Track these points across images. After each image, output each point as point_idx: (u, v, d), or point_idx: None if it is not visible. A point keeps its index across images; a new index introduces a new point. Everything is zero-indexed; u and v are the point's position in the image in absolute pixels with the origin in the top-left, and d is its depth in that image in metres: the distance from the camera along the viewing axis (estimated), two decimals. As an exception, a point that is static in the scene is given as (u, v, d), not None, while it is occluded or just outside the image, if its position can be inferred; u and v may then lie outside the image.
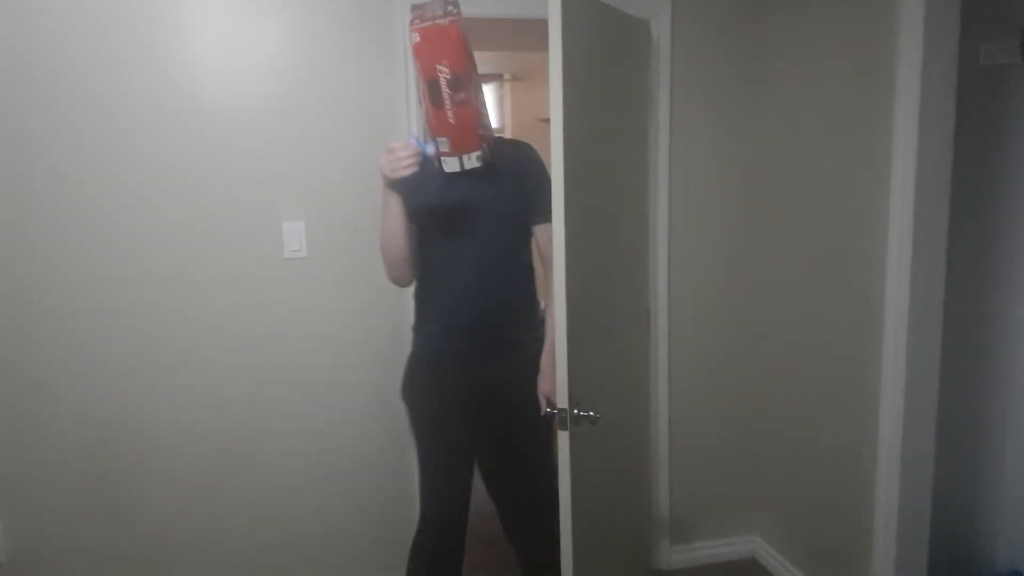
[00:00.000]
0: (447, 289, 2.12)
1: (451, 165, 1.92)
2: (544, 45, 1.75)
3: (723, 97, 2.78)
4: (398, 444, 2.55)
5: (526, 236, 2.17)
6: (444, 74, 1.80)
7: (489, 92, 5.68)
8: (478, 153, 1.90)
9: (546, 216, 2.06)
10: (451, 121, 1.85)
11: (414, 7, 1.87)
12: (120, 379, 2.41)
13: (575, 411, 1.82)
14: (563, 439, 1.83)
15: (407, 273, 2.16)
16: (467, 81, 1.84)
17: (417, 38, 1.79)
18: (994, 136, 2.40)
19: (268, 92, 2.41)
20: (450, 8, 1.81)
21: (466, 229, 2.08)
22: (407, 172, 1.89)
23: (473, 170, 1.92)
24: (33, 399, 2.36)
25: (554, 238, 1.81)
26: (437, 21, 1.79)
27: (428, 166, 1.94)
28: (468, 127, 1.87)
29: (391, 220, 2.04)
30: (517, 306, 2.19)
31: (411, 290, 2.25)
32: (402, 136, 2.48)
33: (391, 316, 2.49)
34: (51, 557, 2.43)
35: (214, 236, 2.43)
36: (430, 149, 1.90)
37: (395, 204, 2.01)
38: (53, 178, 2.30)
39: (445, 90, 1.82)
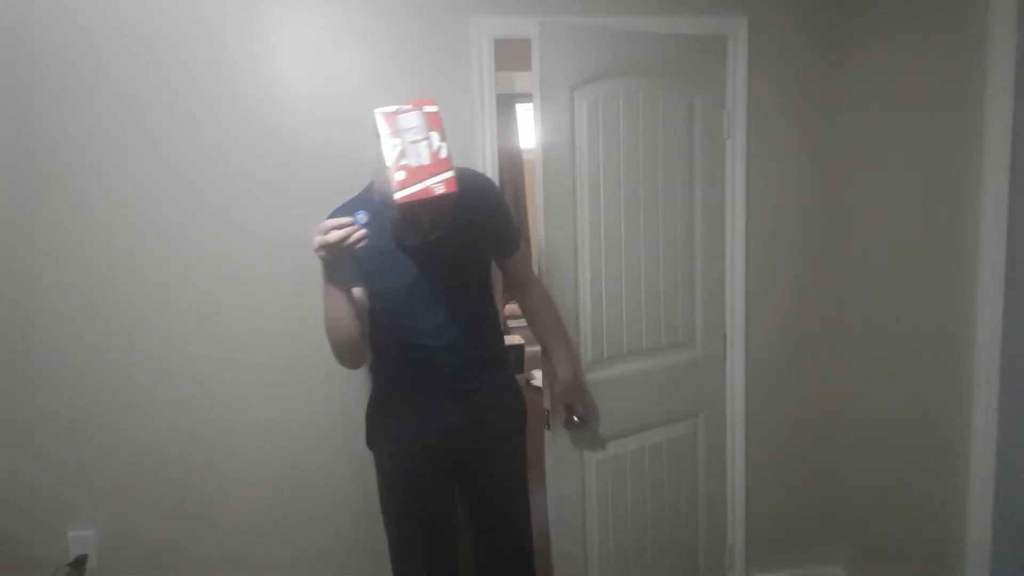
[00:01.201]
0: (417, 347, 1.97)
1: (411, 240, 1.77)
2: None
3: (802, 113, 2.71)
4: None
5: (488, 270, 2.08)
6: (424, 217, 1.65)
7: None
8: (440, 228, 1.74)
9: (514, 247, 2.08)
10: (423, 229, 1.71)
11: (386, 116, 1.56)
12: (201, 390, 2.50)
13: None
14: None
15: (363, 354, 1.93)
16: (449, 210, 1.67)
17: (406, 207, 1.52)
18: None
19: (338, 93, 2.45)
20: (437, 147, 1.54)
21: (437, 299, 1.93)
22: (361, 244, 1.63)
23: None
24: (120, 415, 2.47)
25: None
26: (430, 187, 1.51)
27: (374, 236, 1.70)
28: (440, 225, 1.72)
29: (337, 306, 1.77)
30: (489, 346, 2.10)
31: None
32: (476, 163, 2.51)
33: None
34: (139, 565, 2.53)
35: (288, 255, 2.46)
36: (362, 217, 1.63)
37: (333, 289, 1.74)
38: (124, 197, 2.39)
39: (423, 226, 1.68)
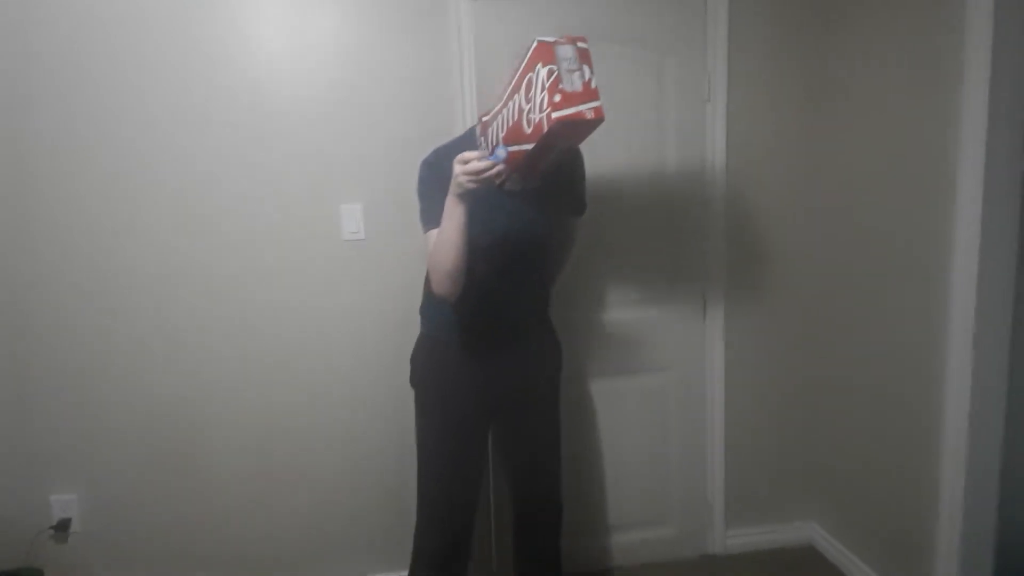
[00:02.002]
0: (477, 296, 2.02)
1: (512, 185, 1.89)
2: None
3: (784, 77, 2.72)
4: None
5: (550, 240, 2.18)
6: (562, 146, 1.71)
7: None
8: (521, 182, 1.89)
9: (582, 209, 2.21)
10: (538, 168, 1.77)
11: (542, 47, 1.60)
12: (183, 360, 2.50)
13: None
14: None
15: (460, 284, 1.95)
16: (576, 145, 1.82)
17: (558, 125, 1.57)
18: None
19: (326, 77, 2.45)
20: (588, 76, 1.60)
21: (506, 244, 2.04)
22: (487, 184, 1.74)
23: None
24: (103, 384, 2.47)
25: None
26: (583, 111, 1.57)
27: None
28: (548, 171, 1.81)
29: (455, 230, 1.84)
30: (541, 307, 2.22)
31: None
32: (456, 121, 2.52)
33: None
34: (121, 529, 2.55)
35: (273, 219, 2.48)
36: (501, 156, 1.74)
37: (462, 215, 1.82)
38: (115, 168, 2.38)
39: (555, 154, 1.73)
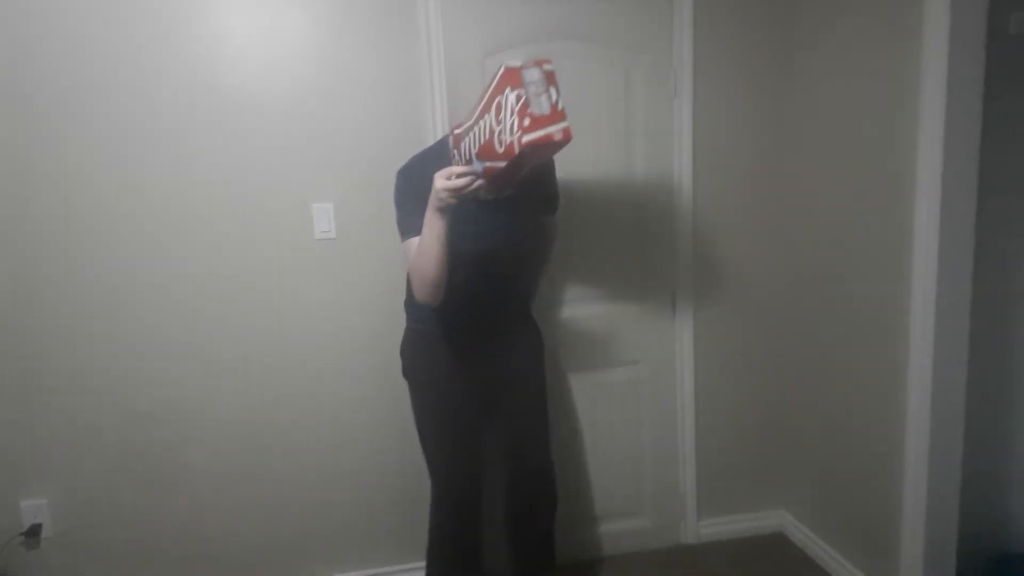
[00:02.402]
0: (460, 296, 2.08)
1: (487, 195, 1.91)
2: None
3: (749, 73, 2.75)
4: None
5: (528, 241, 2.29)
6: (531, 163, 1.76)
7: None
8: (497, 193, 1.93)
9: (555, 209, 2.30)
10: (512, 182, 1.83)
11: (509, 72, 1.67)
12: (154, 363, 2.48)
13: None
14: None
15: (442, 292, 2.00)
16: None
17: (528, 148, 1.63)
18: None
19: (296, 76, 2.44)
20: (554, 99, 1.65)
21: (484, 250, 2.12)
22: (467, 198, 1.80)
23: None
24: (72, 385, 2.44)
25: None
26: (551, 133, 1.63)
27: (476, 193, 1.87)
28: (512, 180, 1.85)
29: (435, 241, 1.88)
30: (522, 299, 2.33)
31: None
32: (426, 120, 2.52)
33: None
34: (92, 534, 2.52)
35: (244, 218, 2.47)
36: (478, 168, 1.79)
37: (441, 227, 1.86)
38: (78, 167, 2.35)
39: (524, 171, 1.79)
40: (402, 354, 2.29)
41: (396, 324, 2.56)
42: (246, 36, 2.40)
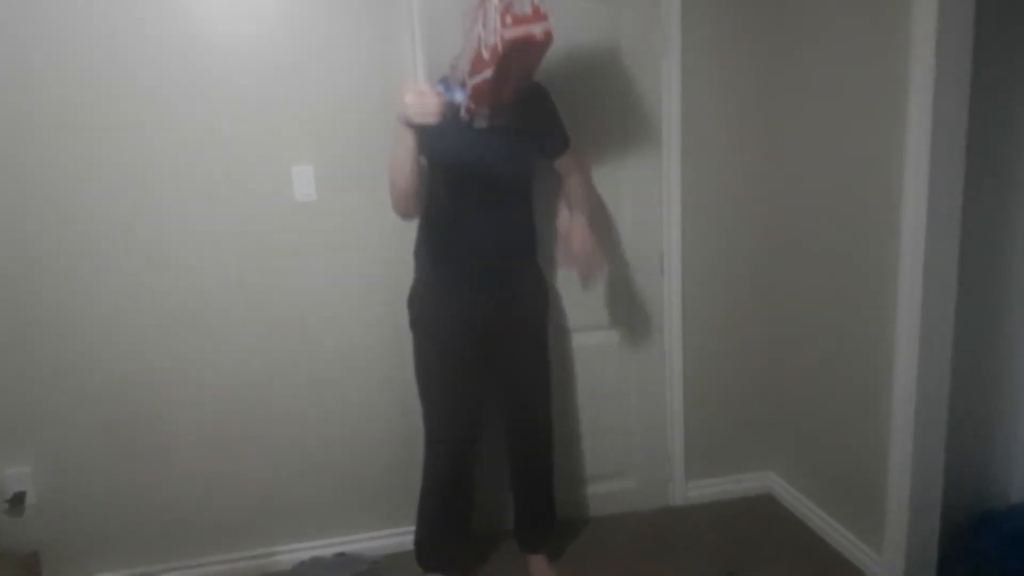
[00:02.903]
0: (463, 239, 2.21)
1: (480, 122, 1.98)
2: None
3: (739, 33, 2.70)
4: (410, 386, 2.54)
5: (533, 176, 2.32)
6: (519, 71, 1.81)
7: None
8: (488, 116, 1.98)
9: (563, 147, 2.33)
10: (502, 98, 1.89)
11: None
12: (134, 328, 2.45)
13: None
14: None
15: (414, 207, 2.15)
16: (533, 72, 1.90)
17: (510, 45, 1.71)
18: (1010, 115, 2.35)
19: (274, 37, 2.39)
20: (542, 10, 1.74)
21: (489, 191, 2.18)
22: (433, 120, 1.87)
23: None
24: (54, 351, 2.41)
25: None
26: (532, 31, 1.72)
27: (448, 115, 1.94)
28: (511, 100, 1.92)
29: (403, 155, 1.99)
30: (526, 246, 2.36)
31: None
32: (409, 81, 2.46)
33: (401, 256, 2.48)
34: (78, 501, 2.51)
35: (224, 181, 2.43)
36: (458, 98, 1.89)
37: (410, 140, 1.96)
38: (58, 130, 2.30)
39: (514, 81, 1.84)
40: (409, 305, 2.35)
41: (379, 287, 2.56)
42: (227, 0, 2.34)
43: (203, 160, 2.41)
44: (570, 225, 2.30)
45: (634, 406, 2.89)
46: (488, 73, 1.76)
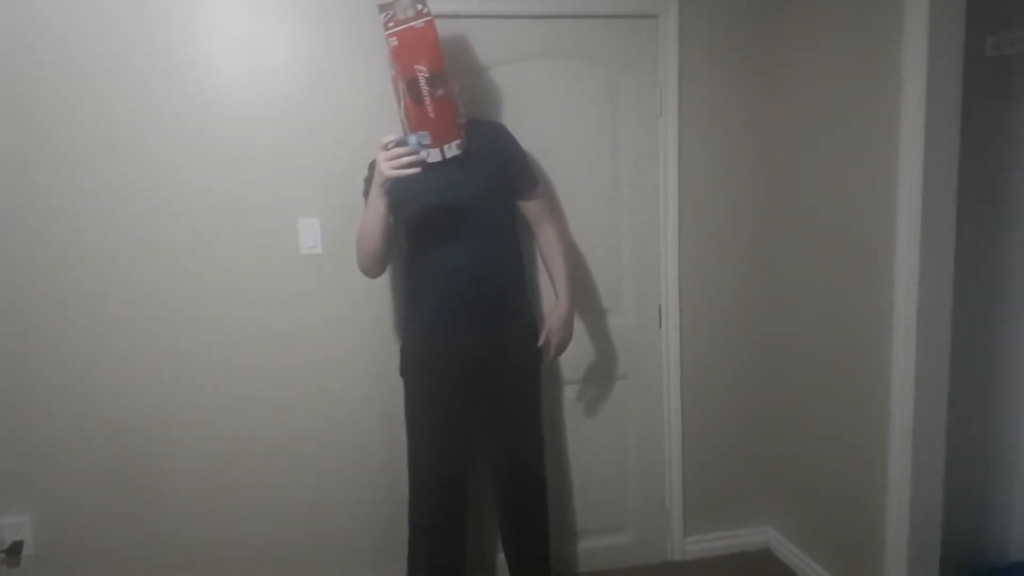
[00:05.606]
0: (443, 272, 2.22)
1: (433, 156, 2.00)
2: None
3: (733, 91, 2.78)
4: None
5: (513, 213, 2.35)
6: (423, 73, 1.90)
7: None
8: (457, 142, 2.01)
9: (529, 187, 2.34)
10: (431, 116, 1.94)
11: (382, 6, 1.91)
12: (140, 378, 2.47)
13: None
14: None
15: (381, 268, 2.24)
16: (444, 76, 1.94)
17: (395, 42, 1.85)
18: (1001, 128, 2.40)
19: (281, 92, 2.45)
20: (420, 7, 1.87)
21: (459, 221, 2.19)
22: (409, 172, 1.92)
23: (454, 158, 2.03)
24: (58, 398, 2.42)
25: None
26: (412, 24, 1.86)
27: (421, 164, 1.99)
28: (447, 119, 1.97)
29: (375, 220, 2.08)
30: (511, 280, 2.36)
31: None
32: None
33: (404, 310, 2.52)
34: (76, 551, 2.49)
35: (231, 234, 2.47)
36: (412, 142, 1.95)
37: (382, 206, 2.04)
38: (65, 180, 2.35)
39: (424, 88, 1.91)
40: (401, 352, 2.38)
41: (381, 337, 2.58)
42: (232, 52, 2.41)
43: (209, 211, 2.45)
44: (553, 312, 2.37)
45: (632, 459, 2.89)
46: (403, 86, 1.89)
